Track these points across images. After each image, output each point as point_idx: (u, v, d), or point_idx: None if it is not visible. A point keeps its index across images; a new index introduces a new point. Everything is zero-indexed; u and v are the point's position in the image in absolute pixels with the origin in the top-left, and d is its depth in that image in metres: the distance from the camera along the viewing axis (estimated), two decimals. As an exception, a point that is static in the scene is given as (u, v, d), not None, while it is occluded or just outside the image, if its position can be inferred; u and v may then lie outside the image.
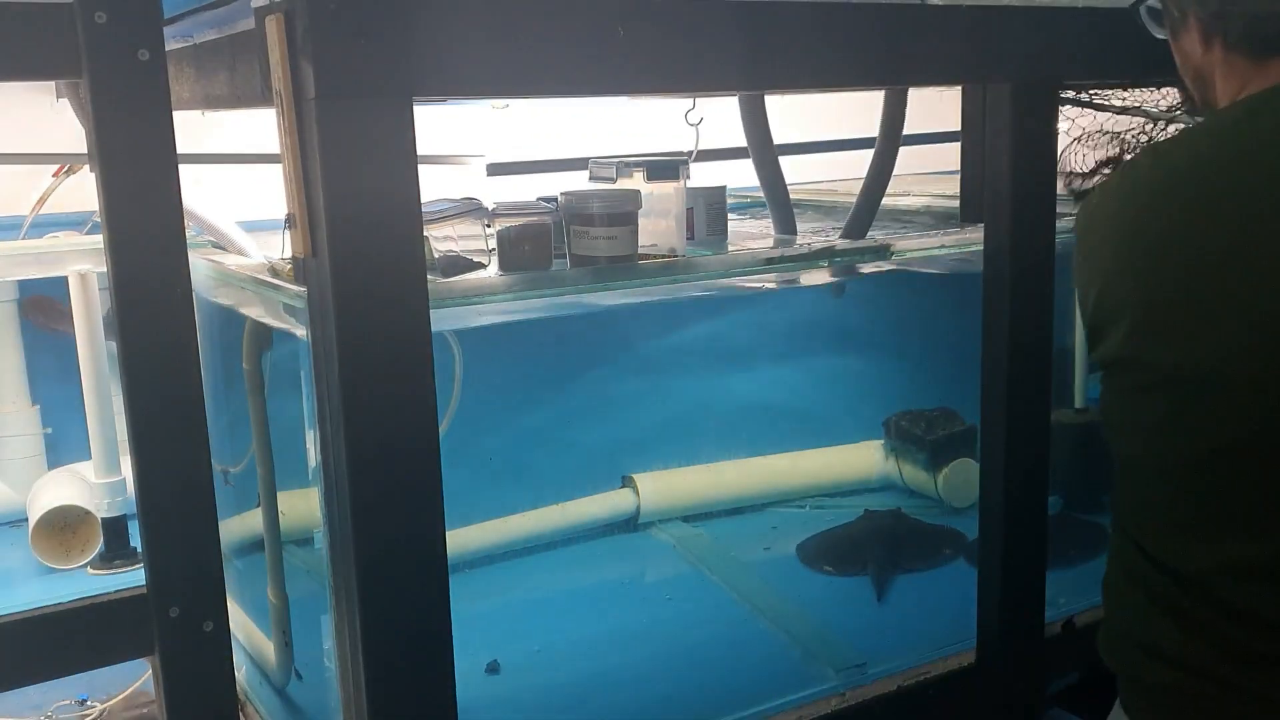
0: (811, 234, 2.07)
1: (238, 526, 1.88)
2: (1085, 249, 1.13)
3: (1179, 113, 1.83)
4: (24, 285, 2.10)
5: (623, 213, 1.63)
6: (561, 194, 1.66)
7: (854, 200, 1.98)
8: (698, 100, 1.98)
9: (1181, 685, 1.10)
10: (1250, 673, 1.05)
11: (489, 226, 1.60)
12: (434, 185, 1.47)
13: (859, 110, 2.17)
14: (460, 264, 1.57)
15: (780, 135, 2.01)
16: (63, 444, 2.11)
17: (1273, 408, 1.00)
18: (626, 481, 2.39)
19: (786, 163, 2.02)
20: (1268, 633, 1.04)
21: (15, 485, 2.05)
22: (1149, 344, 1.06)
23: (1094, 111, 1.82)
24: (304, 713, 1.73)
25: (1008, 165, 1.66)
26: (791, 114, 2.37)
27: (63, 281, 1.81)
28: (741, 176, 2.13)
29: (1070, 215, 1.27)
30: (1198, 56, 1.12)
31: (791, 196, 2.06)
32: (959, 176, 1.81)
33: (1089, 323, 1.12)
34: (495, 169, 2.43)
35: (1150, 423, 1.09)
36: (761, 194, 2.06)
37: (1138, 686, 1.16)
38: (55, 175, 2.18)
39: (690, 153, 1.96)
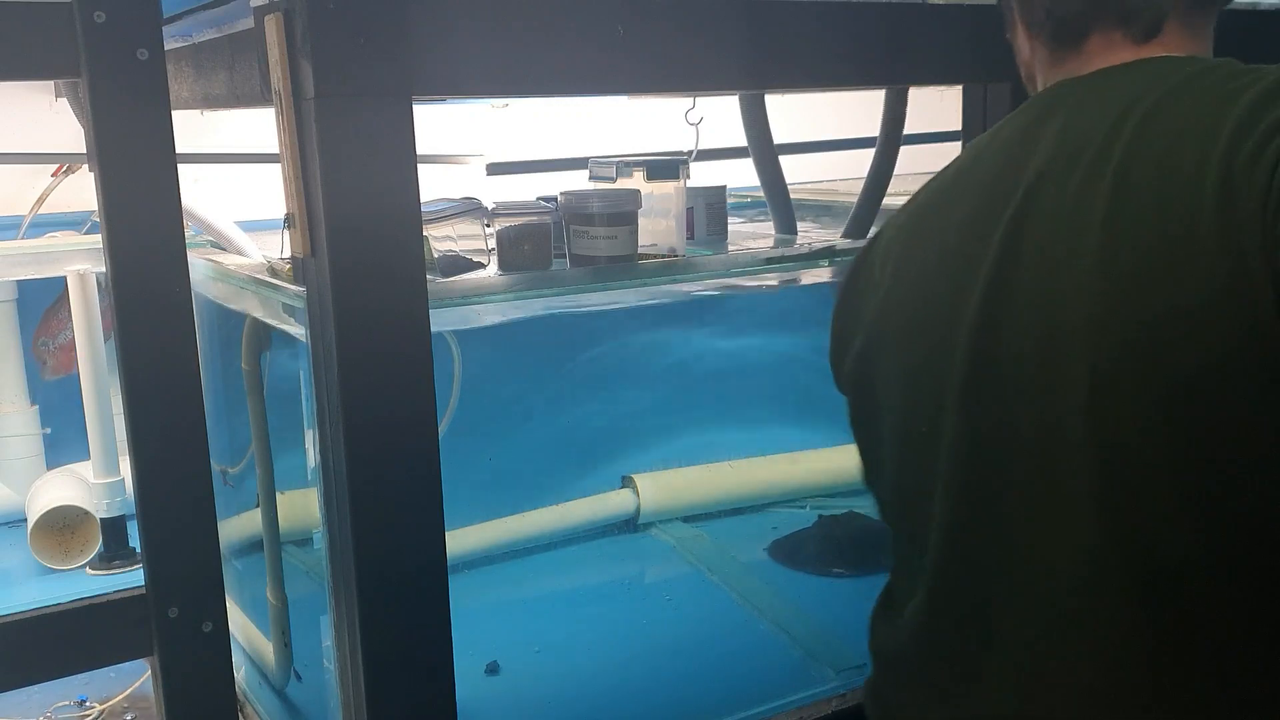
0: (812, 234, 2.07)
1: (237, 527, 1.88)
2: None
3: None
4: (23, 302, 2.10)
5: (623, 212, 1.63)
6: (561, 194, 1.66)
7: (854, 200, 1.98)
8: (698, 100, 1.98)
9: None
10: None
11: (489, 226, 1.60)
12: (434, 185, 1.47)
13: (859, 110, 2.17)
14: (460, 264, 1.57)
15: (780, 135, 2.01)
16: (62, 444, 2.11)
17: None
18: (626, 482, 2.38)
19: (786, 162, 2.02)
20: None
21: (14, 485, 2.05)
22: None
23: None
24: (303, 713, 1.73)
25: (1008, 165, 1.65)
26: (791, 114, 2.37)
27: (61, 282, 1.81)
28: (741, 176, 2.13)
29: None
30: (1025, 54, 1.06)
31: (791, 196, 2.06)
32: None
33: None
34: (495, 169, 2.43)
35: None
36: (761, 194, 2.06)
37: None
38: (54, 175, 2.18)
39: (690, 152, 1.95)
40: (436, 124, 2.31)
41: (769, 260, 1.80)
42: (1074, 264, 0.86)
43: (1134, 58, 0.96)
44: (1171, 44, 0.96)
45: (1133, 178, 0.85)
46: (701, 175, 1.87)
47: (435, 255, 1.55)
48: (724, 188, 1.93)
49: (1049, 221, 0.89)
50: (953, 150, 1.79)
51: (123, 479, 1.80)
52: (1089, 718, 0.89)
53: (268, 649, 1.78)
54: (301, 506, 1.62)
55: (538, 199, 1.70)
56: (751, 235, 2.11)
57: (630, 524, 2.37)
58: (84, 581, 1.78)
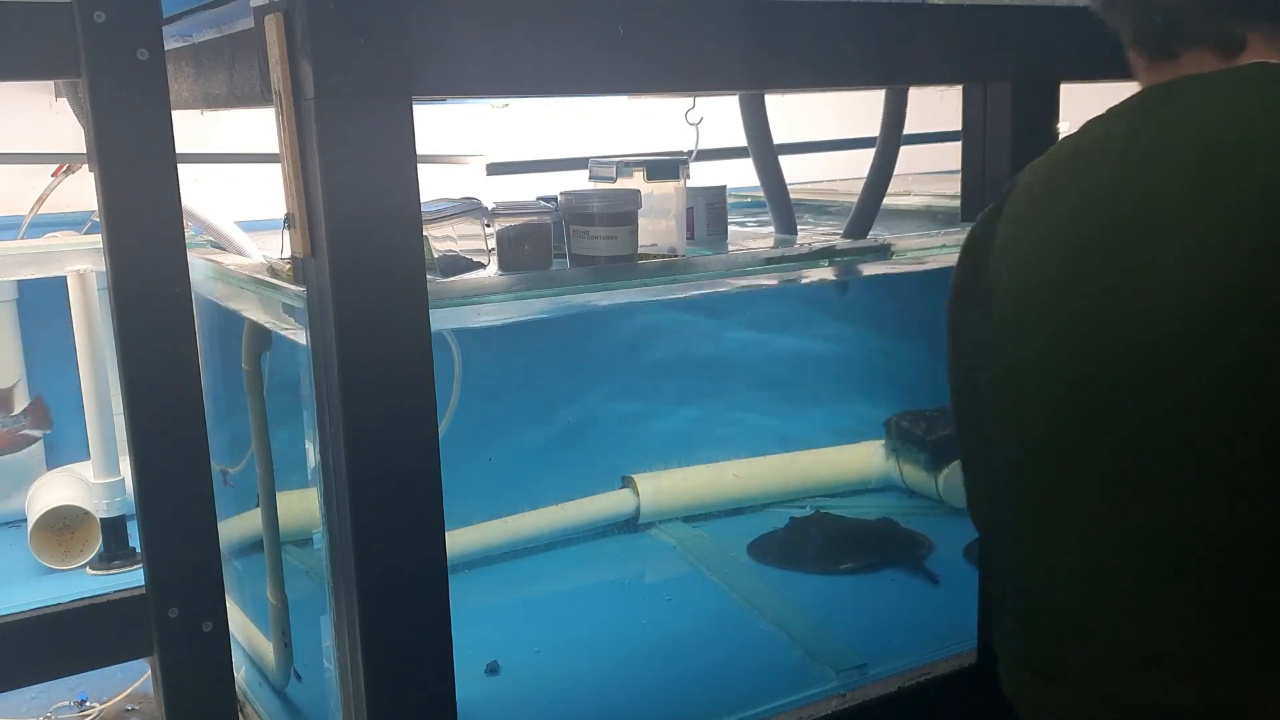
0: (812, 234, 2.07)
1: (237, 527, 1.88)
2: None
3: None
4: (23, 302, 2.10)
5: (623, 212, 1.63)
6: (561, 194, 1.66)
7: (854, 200, 1.98)
8: (698, 100, 1.98)
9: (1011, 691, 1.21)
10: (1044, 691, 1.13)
11: (489, 226, 1.60)
12: (434, 185, 1.47)
13: (859, 110, 2.17)
14: (460, 264, 1.57)
15: (780, 135, 2.01)
16: (62, 444, 2.11)
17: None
18: (626, 482, 2.39)
19: (786, 163, 2.02)
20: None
21: (14, 486, 2.05)
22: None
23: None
24: (303, 713, 1.73)
25: (1008, 165, 1.66)
26: (792, 114, 2.37)
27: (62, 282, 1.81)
28: (741, 176, 2.13)
29: None
30: (1138, 66, 1.14)
31: (791, 196, 2.05)
32: (959, 176, 1.81)
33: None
34: (495, 169, 2.43)
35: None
36: (761, 194, 2.06)
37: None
38: (54, 175, 2.17)
39: (690, 152, 1.95)
40: (436, 124, 2.31)
41: (769, 260, 1.79)
42: (1186, 272, 0.95)
43: (1224, 66, 1.04)
44: (1259, 53, 1.04)
45: (1234, 194, 0.93)
46: (701, 175, 1.87)
47: (435, 255, 1.55)
48: (724, 188, 1.92)
49: (1159, 231, 0.97)
50: (953, 150, 1.79)
51: (123, 479, 1.80)
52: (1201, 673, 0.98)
53: (268, 649, 1.77)
54: (300, 506, 1.62)
55: (538, 199, 1.70)
56: (752, 235, 2.11)
57: (630, 524, 2.37)
58: (84, 581, 1.78)
